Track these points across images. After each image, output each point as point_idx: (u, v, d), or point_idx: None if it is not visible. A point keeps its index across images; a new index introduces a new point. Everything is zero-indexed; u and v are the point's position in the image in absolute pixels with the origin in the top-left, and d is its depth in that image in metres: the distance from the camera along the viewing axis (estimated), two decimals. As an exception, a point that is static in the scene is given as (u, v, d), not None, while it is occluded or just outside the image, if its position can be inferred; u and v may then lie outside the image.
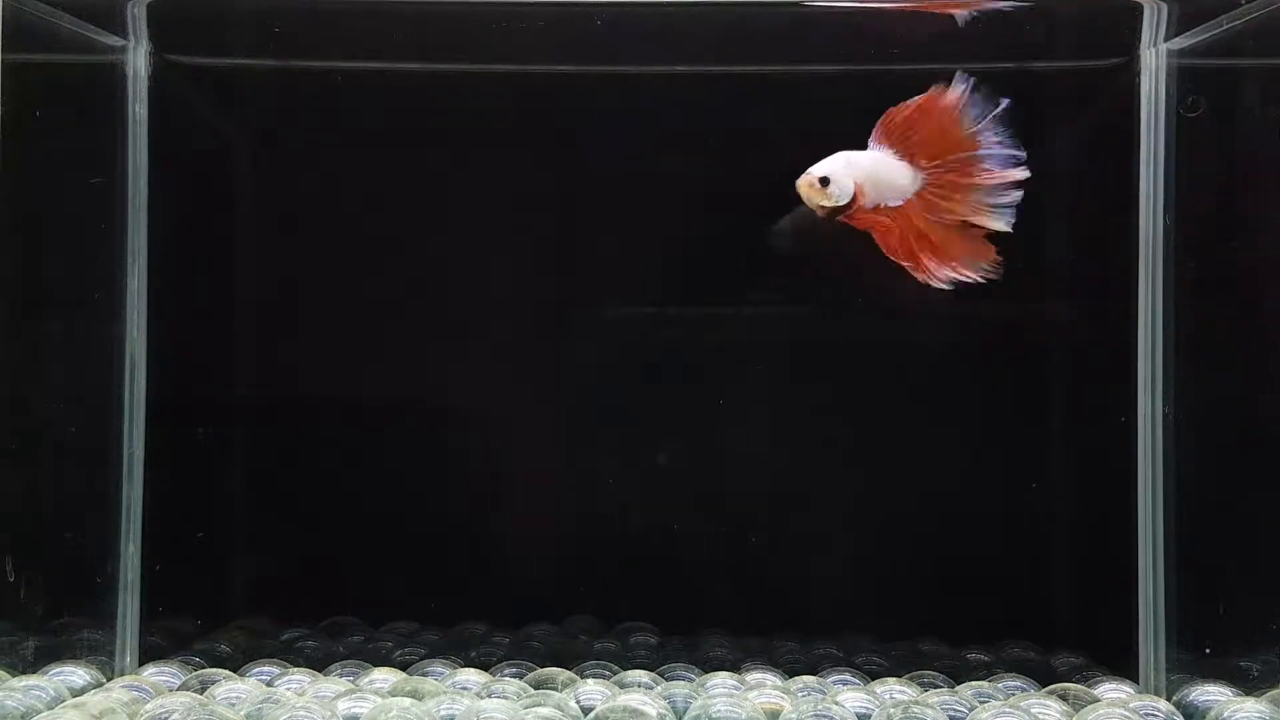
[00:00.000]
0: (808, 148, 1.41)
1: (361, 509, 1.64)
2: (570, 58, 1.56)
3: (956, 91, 1.39)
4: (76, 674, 1.41)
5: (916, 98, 1.40)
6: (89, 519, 1.50)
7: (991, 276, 1.41)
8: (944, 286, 1.41)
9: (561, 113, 1.62)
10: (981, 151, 1.41)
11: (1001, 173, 1.40)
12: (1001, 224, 1.40)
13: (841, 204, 1.39)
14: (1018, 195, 1.41)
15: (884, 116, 1.40)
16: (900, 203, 1.41)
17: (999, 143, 1.41)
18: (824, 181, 1.39)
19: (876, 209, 1.40)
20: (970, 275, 1.41)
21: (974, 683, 1.41)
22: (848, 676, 1.44)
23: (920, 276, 1.42)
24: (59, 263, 1.48)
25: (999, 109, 1.40)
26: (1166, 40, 1.45)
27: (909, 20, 1.49)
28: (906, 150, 1.40)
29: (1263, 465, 1.39)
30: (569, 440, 1.67)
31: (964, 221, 1.41)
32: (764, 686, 1.40)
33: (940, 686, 1.41)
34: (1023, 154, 1.41)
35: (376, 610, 1.63)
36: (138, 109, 1.53)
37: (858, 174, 1.39)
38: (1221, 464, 1.44)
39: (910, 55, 1.52)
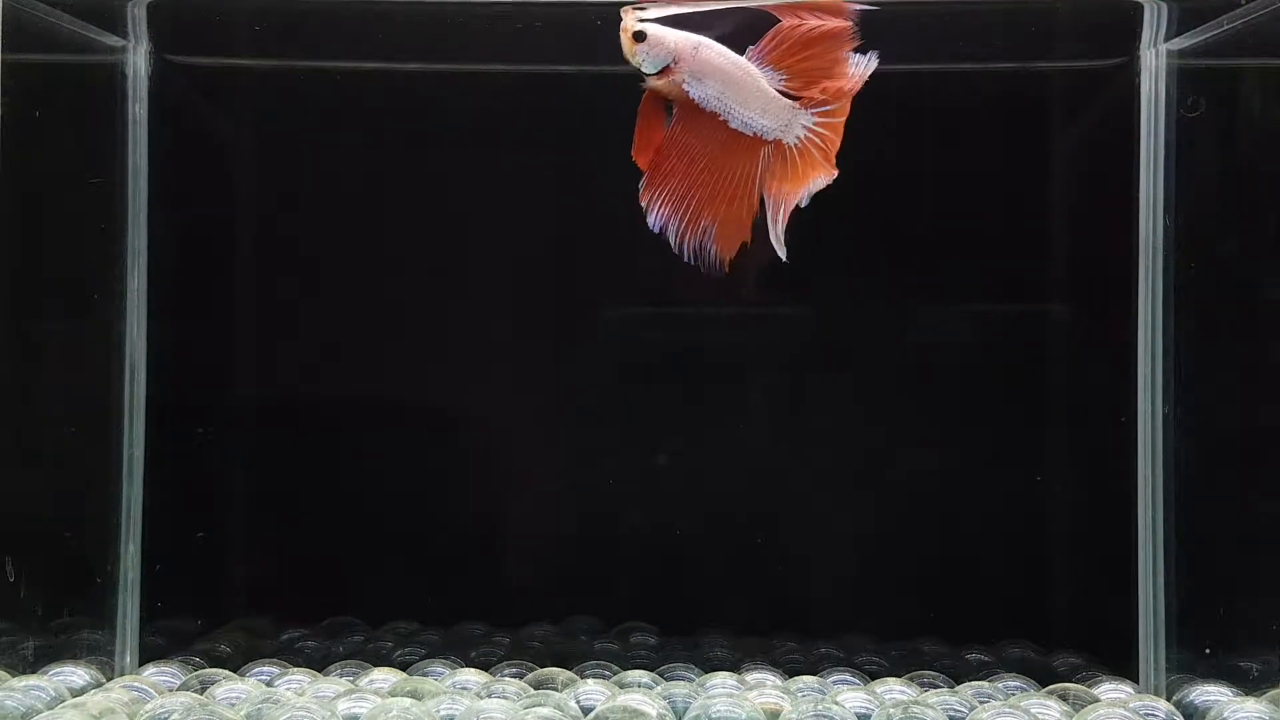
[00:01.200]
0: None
1: (361, 509, 1.64)
2: (568, 58, 1.56)
3: (863, 64, 1.29)
4: (76, 674, 1.41)
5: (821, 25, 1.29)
6: (89, 519, 1.50)
7: (716, 272, 1.31)
8: (655, 225, 1.30)
9: (561, 113, 1.62)
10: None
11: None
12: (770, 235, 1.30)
13: (647, 72, 1.29)
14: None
15: (777, 27, 1.28)
16: (749, 135, 1.29)
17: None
18: (638, 36, 1.29)
19: (712, 121, 1.29)
20: (695, 252, 1.31)
21: (974, 683, 1.41)
22: (848, 676, 1.44)
23: (648, 202, 1.30)
24: (59, 263, 1.48)
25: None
26: (1166, 40, 1.45)
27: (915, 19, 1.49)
28: (792, 79, 1.30)
29: (1263, 465, 1.39)
30: (569, 440, 1.67)
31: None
32: (764, 686, 1.40)
33: (940, 686, 1.41)
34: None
35: (376, 610, 1.63)
36: (138, 109, 1.52)
37: (697, 60, 1.29)
38: (1221, 464, 1.44)
39: (911, 56, 1.52)
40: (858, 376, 1.63)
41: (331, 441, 1.64)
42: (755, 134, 1.31)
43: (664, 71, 1.30)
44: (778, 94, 1.31)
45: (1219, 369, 1.44)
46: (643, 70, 1.31)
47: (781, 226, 1.32)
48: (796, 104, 1.30)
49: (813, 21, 1.30)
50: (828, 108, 1.31)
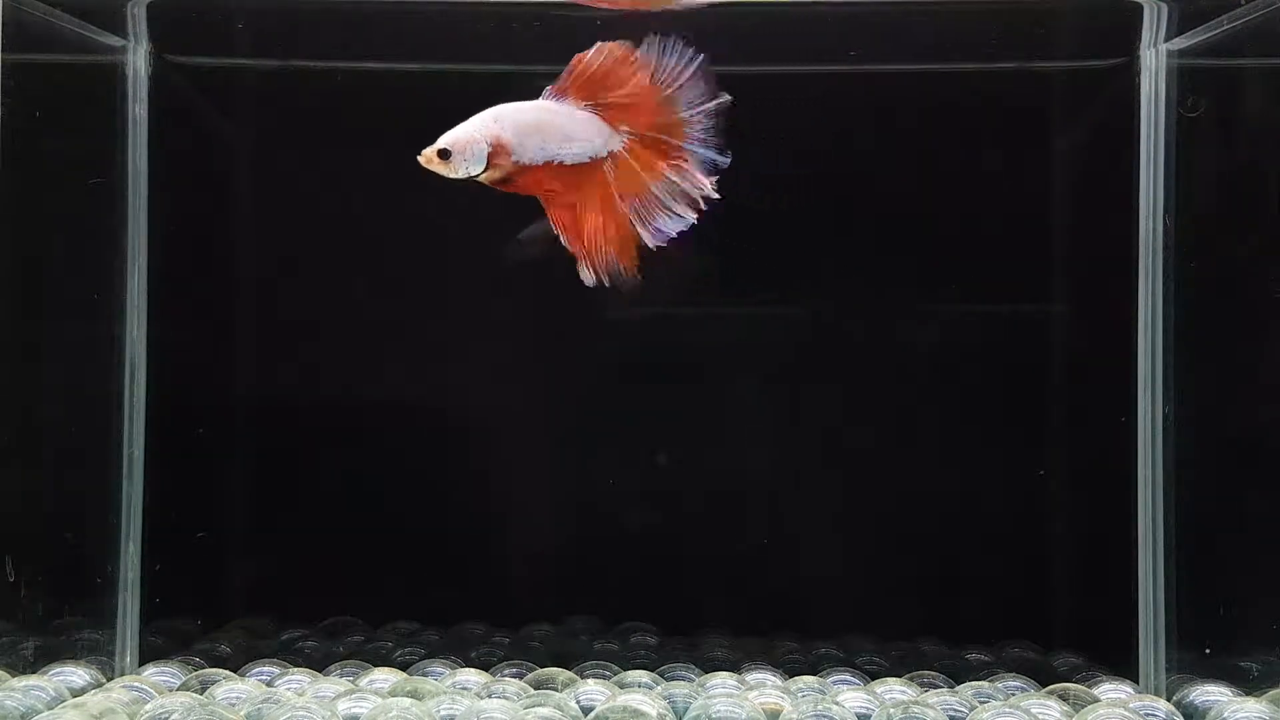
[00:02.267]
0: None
1: (361, 509, 1.64)
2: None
3: (650, 51, 1.28)
4: (76, 674, 1.41)
5: (608, 45, 1.28)
6: (89, 519, 1.50)
7: (627, 285, 1.31)
8: (589, 278, 1.31)
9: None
10: (687, 137, 1.30)
11: (693, 175, 1.30)
12: (654, 235, 1.30)
13: (475, 174, 1.27)
14: (688, 218, 1.31)
15: (571, 63, 1.28)
16: (587, 160, 1.29)
17: (703, 139, 1.30)
18: (443, 154, 1.27)
19: (550, 169, 1.28)
20: (608, 273, 1.31)
21: (974, 683, 1.41)
22: (848, 676, 1.44)
23: (580, 259, 1.30)
24: (59, 263, 1.48)
25: (716, 101, 1.29)
26: (1166, 40, 1.45)
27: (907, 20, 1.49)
28: (598, 104, 1.28)
29: (1263, 465, 1.39)
30: (569, 440, 1.67)
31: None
32: (764, 686, 1.40)
33: (940, 686, 1.41)
34: (725, 161, 1.31)
35: (376, 610, 1.63)
36: (138, 109, 1.53)
37: (507, 131, 1.27)
38: (1222, 464, 1.44)
39: (910, 55, 1.52)
40: (858, 377, 1.63)
41: (331, 441, 1.65)
42: (591, 157, 1.30)
43: (490, 161, 1.29)
44: (585, 113, 1.30)
45: (1219, 369, 1.44)
46: (474, 176, 1.29)
47: (660, 228, 1.32)
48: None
49: (589, 54, 1.29)
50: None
